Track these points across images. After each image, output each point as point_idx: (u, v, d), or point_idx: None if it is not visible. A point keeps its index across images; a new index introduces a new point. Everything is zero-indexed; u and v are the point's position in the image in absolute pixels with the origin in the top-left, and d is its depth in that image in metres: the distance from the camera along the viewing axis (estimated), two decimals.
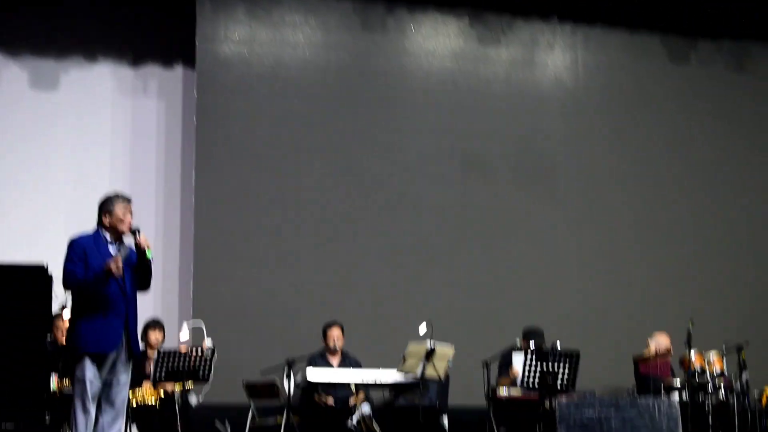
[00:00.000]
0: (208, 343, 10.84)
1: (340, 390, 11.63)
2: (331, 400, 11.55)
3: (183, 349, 10.62)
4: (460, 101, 14.02)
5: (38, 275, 8.59)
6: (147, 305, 9.47)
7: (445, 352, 10.65)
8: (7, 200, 12.78)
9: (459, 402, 12.17)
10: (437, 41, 14.02)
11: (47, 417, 8.54)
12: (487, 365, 11.10)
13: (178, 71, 13.47)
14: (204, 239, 12.84)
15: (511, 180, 14.06)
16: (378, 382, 10.90)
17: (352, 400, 11.48)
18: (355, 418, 10.71)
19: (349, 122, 13.60)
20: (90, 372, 8.34)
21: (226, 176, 13.05)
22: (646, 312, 13.83)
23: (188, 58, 13.30)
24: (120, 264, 8.24)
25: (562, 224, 14.14)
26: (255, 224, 13.10)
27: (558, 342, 11.18)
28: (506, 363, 11.74)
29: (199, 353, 10.45)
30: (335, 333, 11.95)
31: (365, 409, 10.79)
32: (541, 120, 14.28)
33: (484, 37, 14.16)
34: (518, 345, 11.63)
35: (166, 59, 13.43)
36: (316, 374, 10.95)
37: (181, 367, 10.37)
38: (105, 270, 8.21)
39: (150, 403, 10.86)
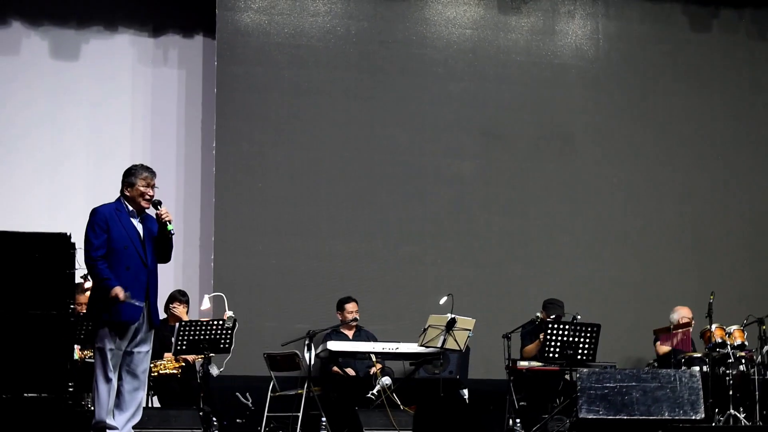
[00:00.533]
0: (229, 314, 10.83)
1: (359, 363, 11.68)
2: (351, 371, 11.58)
3: (204, 320, 10.67)
4: (480, 70, 13.93)
5: (61, 244, 8.58)
6: (168, 277, 9.52)
7: (465, 323, 10.60)
8: (28, 170, 12.79)
9: (479, 375, 12.18)
10: (457, 9, 13.93)
11: (70, 387, 8.56)
12: (507, 337, 11.11)
13: (198, 40, 13.44)
14: (224, 210, 12.84)
15: (530, 150, 13.97)
16: (399, 352, 10.90)
17: (372, 371, 11.50)
18: (375, 390, 10.64)
19: (368, 92, 13.54)
20: (111, 342, 8.43)
21: (247, 146, 13.03)
22: (666, 284, 13.77)
23: (208, 27, 13.25)
24: (122, 297, 8.26)
25: (581, 195, 14.05)
26: (275, 195, 13.08)
27: (578, 314, 11.19)
28: (529, 333, 11.73)
29: (221, 324, 10.52)
30: (351, 307, 12.01)
31: (386, 380, 10.74)
32: (561, 89, 14.16)
33: (504, 5, 14.07)
34: (539, 317, 11.61)
35: (186, 28, 13.39)
36: (337, 345, 10.95)
37: (203, 337, 10.43)
38: (110, 296, 8.28)
39: (171, 373, 10.90)
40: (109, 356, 8.41)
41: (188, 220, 12.97)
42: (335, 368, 11.60)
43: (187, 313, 11.51)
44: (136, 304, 8.40)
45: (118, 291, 8.32)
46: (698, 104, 14.54)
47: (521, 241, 13.77)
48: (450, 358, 11.57)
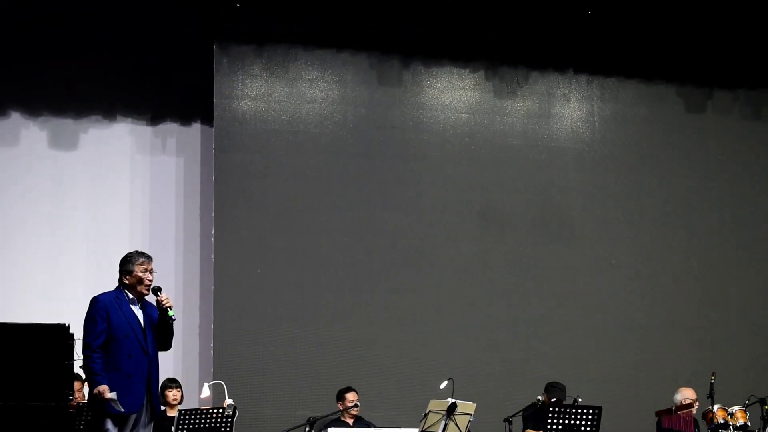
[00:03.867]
0: (228, 402, 10.81)
1: None
2: None
3: (204, 408, 10.61)
4: (477, 154, 14.01)
5: (59, 334, 8.55)
6: (167, 365, 9.46)
7: (466, 407, 10.57)
8: (27, 259, 12.75)
9: None
10: (453, 94, 14.03)
11: None
12: (509, 421, 11.06)
13: (196, 128, 13.49)
14: (223, 297, 12.82)
15: (528, 232, 14.01)
16: None
17: None
18: None
19: (366, 177, 13.61)
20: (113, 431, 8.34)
21: (246, 232, 13.05)
22: (666, 365, 13.75)
23: (206, 115, 13.34)
24: (107, 397, 8.22)
25: (580, 277, 14.07)
26: (275, 281, 13.07)
27: (579, 396, 11.13)
28: (530, 417, 11.67)
29: (221, 413, 10.45)
30: (351, 396, 11.95)
31: None
32: (557, 172, 14.25)
33: (499, 89, 14.17)
34: (540, 400, 11.56)
35: (184, 116, 13.44)
36: None
37: (203, 426, 10.35)
38: (97, 396, 8.24)
39: None
40: None
41: (187, 307, 12.91)
42: None
43: (181, 398, 11.44)
44: (118, 408, 8.27)
45: (103, 390, 8.23)
46: (694, 184, 14.62)
47: (522, 324, 13.74)
48: None
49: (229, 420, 10.44)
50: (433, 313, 13.53)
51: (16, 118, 12.97)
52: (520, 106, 14.23)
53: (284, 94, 13.45)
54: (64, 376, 8.58)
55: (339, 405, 11.95)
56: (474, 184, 13.95)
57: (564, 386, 11.76)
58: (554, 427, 10.80)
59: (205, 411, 10.49)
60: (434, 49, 13.93)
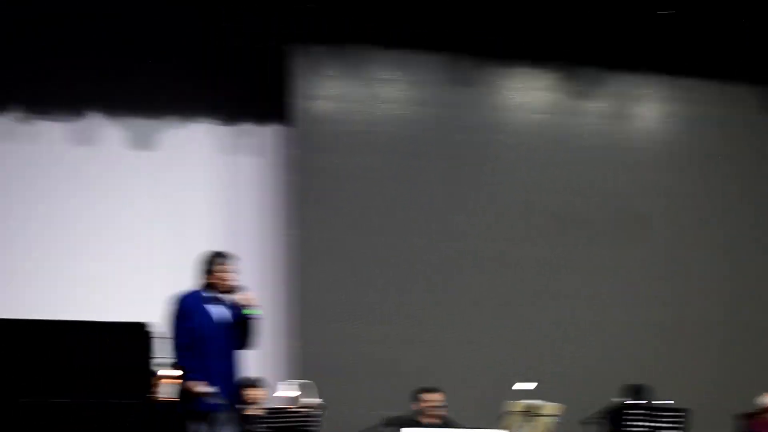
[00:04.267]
0: (315, 401, 10.80)
1: None
2: None
3: (290, 407, 10.62)
4: (552, 156, 13.94)
5: (140, 332, 8.61)
6: (252, 364, 9.47)
7: (549, 409, 10.52)
8: (108, 258, 12.87)
9: None
10: (528, 95, 13.98)
11: None
12: (588, 423, 10.96)
13: (273, 128, 13.54)
14: (306, 297, 12.94)
15: (604, 235, 13.93)
16: None
17: None
18: None
19: (441, 177, 13.60)
20: (199, 429, 8.50)
21: (325, 232, 13.12)
22: (751, 367, 13.58)
23: (282, 115, 13.38)
24: (199, 391, 8.30)
25: (657, 279, 13.96)
26: (354, 280, 13.13)
27: (659, 398, 11.02)
28: (609, 419, 11.55)
29: (307, 411, 10.46)
30: (430, 397, 11.68)
31: None
32: (633, 173, 14.16)
33: (575, 90, 14.09)
34: (619, 402, 11.44)
35: (261, 116, 13.49)
36: None
37: (288, 425, 10.36)
38: (191, 390, 8.37)
39: None
40: None
41: (270, 307, 12.72)
42: None
43: (265, 396, 11.45)
44: (213, 400, 8.37)
45: (194, 385, 8.39)
46: None
47: (600, 326, 13.64)
48: None
49: (316, 419, 10.44)
50: (513, 315, 13.49)
51: (95, 118, 13.08)
52: (595, 107, 14.14)
53: (360, 94, 13.48)
54: (144, 374, 8.62)
55: (418, 405, 11.87)
56: (549, 186, 13.88)
57: (647, 387, 11.62)
58: (633, 430, 10.68)
59: (290, 410, 10.50)
60: (510, 50, 13.86)
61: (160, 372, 10.28)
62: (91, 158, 13.03)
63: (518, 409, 10.56)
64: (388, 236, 13.33)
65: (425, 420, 11.74)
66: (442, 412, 11.77)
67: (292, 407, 10.60)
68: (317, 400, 10.77)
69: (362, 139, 13.41)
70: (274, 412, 10.42)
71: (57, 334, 8.45)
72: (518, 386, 10.78)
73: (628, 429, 10.68)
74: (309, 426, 10.40)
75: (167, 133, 13.29)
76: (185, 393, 8.50)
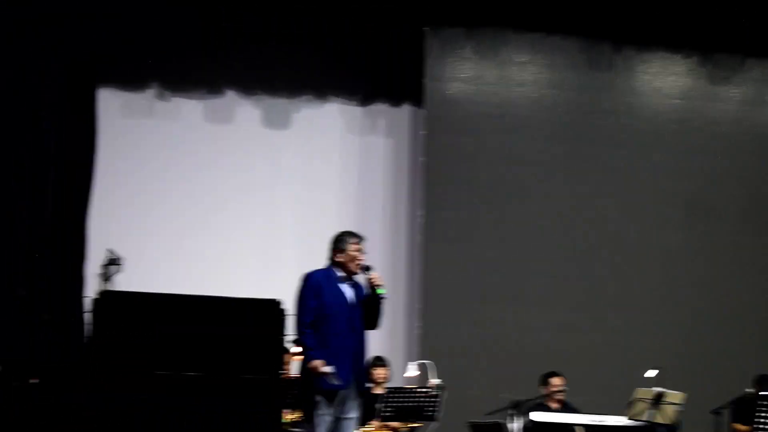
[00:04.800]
0: (435, 381, 10.80)
1: None
2: None
3: (411, 387, 10.62)
4: (688, 141, 13.73)
5: (272, 310, 8.69)
6: (375, 343, 9.54)
7: (674, 397, 10.44)
8: (240, 234, 13.02)
9: None
10: (665, 80, 13.78)
11: None
12: (717, 413, 10.82)
13: (406, 109, 13.54)
14: (431, 277, 12.92)
15: (737, 223, 13.70)
16: (606, 425, 10.78)
17: None
18: None
19: (574, 161, 13.49)
20: (322, 409, 8.56)
21: (454, 214, 13.10)
22: None
23: (415, 97, 13.40)
24: (322, 371, 8.39)
25: None
26: (482, 264, 13.08)
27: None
28: (738, 410, 11.39)
29: (427, 392, 10.44)
30: (555, 381, 11.82)
31: None
32: None
33: (713, 76, 13.85)
34: (751, 392, 11.26)
35: (394, 97, 13.51)
36: (541, 416, 10.89)
37: (409, 405, 10.37)
38: (311, 369, 8.43)
39: None
40: (319, 422, 8.54)
41: (395, 286, 12.81)
42: None
43: (388, 376, 11.55)
44: (334, 381, 8.45)
45: (318, 364, 8.44)
46: None
47: (731, 315, 13.42)
48: None
49: (436, 399, 10.41)
50: (638, 301, 13.34)
51: (231, 96, 13.22)
52: (734, 93, 13.90)
53: (494, 77, 13.43)
54: (275, 350, 8.72)
55: (543, 389, 11.86)
56: (683, 172, 13.68)
57: None
58: (763, 421, 10.48)
59: (411, 390, 10.50)
60: (647, 34, 13.68)
61: (292, 349, 10.51)
62: (226, 136, 13.18)
63: (645, 396, 10.49)
64: (518, 219, 13.26)
65: (551, 403, 11.74)
66: (564, 396, 11.77)
67: (414, 387, 10.61)
68: (438, 381, 10.76)
69: (495, 121, 13.33)
70: (396, 392, 10.44)
71: (191, 309, 8.56)
72: (648, 374, 10.70)
73: (761, 420, 10.48)
74: (430, 406, 10.38)
75: (302, 112, 13.37)
76: (309, 371, 8.54)
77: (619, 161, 13.58)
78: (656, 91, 13.76)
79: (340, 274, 8.78)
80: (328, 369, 8.42)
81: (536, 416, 10.84)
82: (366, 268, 8.78)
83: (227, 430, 8.40)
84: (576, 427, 10.63)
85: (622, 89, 13.72)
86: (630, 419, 10.57)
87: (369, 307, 8.81)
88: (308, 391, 8.62)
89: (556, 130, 13.50)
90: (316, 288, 8.67)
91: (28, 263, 12.01)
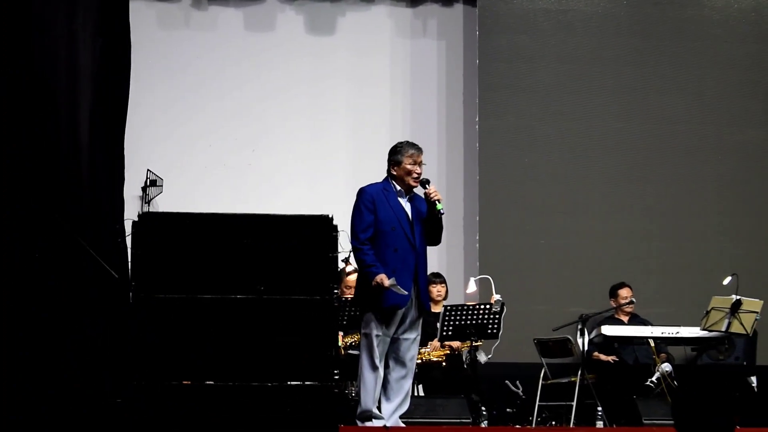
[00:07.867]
0: (496, 297, 10.59)
1: (639, 349, 11.14)
2: (606, 358, 11.15)
3: (470, 304, 10.36)
4: (764, 31, 13.09)
5: (323, 226, 8.25)
6: (431, 259, 9.16)
7: (752, 305, 10.08)
8: (287, 148, 12.79)
9: None
10: None
11: (335, 374, 8.29)
12: None
13: (458, 9, 13.12)
14: (489, 187, 12.55)
15: None
16: (680, 337, 10.45)
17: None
18: (655, 377, 10.27)
19: (641, 57, 12.90)
20: (379, 328, 8.23)
21: (512, 119, 12.66)
22: None
23: None
24: (386, 285, 8.06)
25: None
26: (543, 170, 12.67)
27: None
28: None
29: (488, 309, 10.19)
30: (624, 293, 11.43)
31: (666, 367, 10.34)
32: None
33: None
34: None
35: None
36: (612, 330, 10.60)
37: (469, 323, 10.12)
38: (374, 285, 8.12)
39: (436, 361, 10.64)
40: (375, 343, 8.21)
41: (451, 199, 12.59)
42: (596, 354, 11.15)
43: (446, 293, 11.20)
44: (401, 292, 8.10)
45: (383, 278, 8.08)
46: None
47: None
48: (736, 343, 11.03)
49: (497, 316, 10.17)
50: (714, 205, 12.82)
51: (272, 2, 12.93)
52: None
53: None
54: (328, 269, 8.29)
55: (612, 302, 11.49)
56: (761, 64, 13.03)
57: None
58: None
59: (471, 307, 10.23)
60: None
61: (347, 267, 10.18)
62: (268, 45, 12.92)
63: (722, 305, 10.16)
64: (581, 122, 12.77)
65: (621, 315, 11.42)
66: (632, 308, 11.43)
67: (474, 304, 10.37)
68: (499, 297, 10.60)
69: (554, 18, 12.82)
70: (455, 310, 10.20)
71: (236, 228, 8.17)
72: (725, 281, 10.49)
73: None
74: (491, 324, 10.16)
75: (347, 16, 13.03)
76: (366, 290, 8.21)
77: (689, 55, 12.99)
78: None
79: (398, 188, 8.35)
80: (390, 281, 8.06)
81: (607, 330, 10.55)
82: (424, 182, 8.32)
83: (279, 353, 8.00)
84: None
85: None
86: (705, 330, 10.26)
87: (428, 223, 8.41)
88: (363, 311, 8.32)
89: (621, 24, 12.94)
90: (371, 203, 8.29)
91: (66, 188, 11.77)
